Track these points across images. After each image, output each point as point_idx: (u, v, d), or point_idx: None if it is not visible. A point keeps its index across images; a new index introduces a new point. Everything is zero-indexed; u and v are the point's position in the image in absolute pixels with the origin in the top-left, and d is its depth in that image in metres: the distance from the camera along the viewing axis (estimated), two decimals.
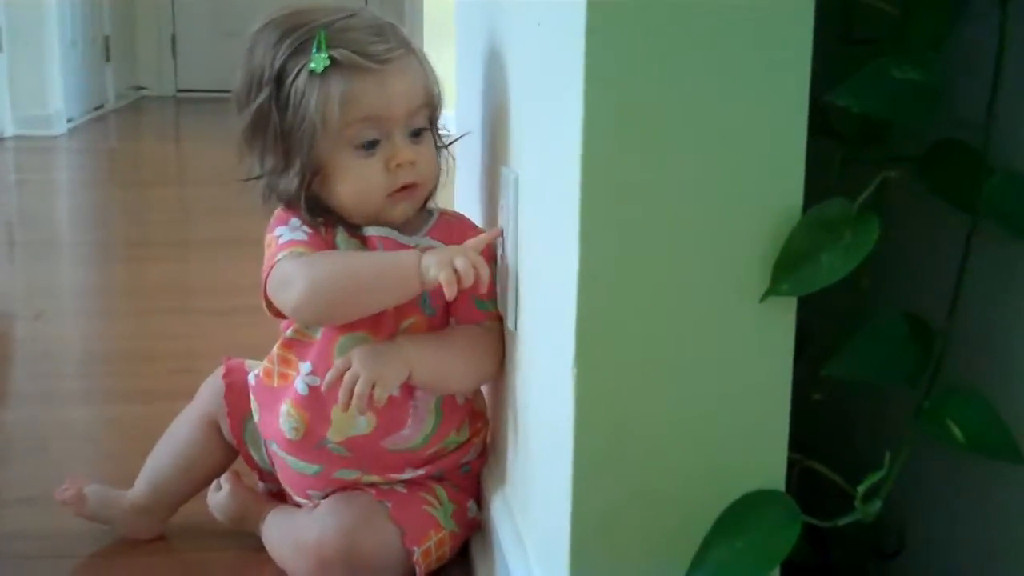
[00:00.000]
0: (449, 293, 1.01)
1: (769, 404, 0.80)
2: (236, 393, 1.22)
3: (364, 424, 1.11)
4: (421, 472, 1.15)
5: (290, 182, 1.11)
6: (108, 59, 5.91)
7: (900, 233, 0.84)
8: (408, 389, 1.11)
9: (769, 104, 0.76)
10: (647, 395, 0.79)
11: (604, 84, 0.74)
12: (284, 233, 1.12)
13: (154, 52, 6.56)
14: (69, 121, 5.04)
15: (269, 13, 1.12)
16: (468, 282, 1.01)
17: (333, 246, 1.12)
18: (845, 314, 0.90)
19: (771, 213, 0.77)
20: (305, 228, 1.12)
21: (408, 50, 1.10)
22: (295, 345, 1.14)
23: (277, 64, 1.08)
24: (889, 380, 0.82)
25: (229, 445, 1.24)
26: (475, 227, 1.17)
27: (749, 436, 0.80)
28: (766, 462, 0.81)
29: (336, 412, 1.10)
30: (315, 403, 1.12)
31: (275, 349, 1.16)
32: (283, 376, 1.15)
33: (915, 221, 0.89)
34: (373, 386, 1.02)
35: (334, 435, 1.12)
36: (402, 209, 1.12)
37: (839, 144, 0.85)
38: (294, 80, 1.07)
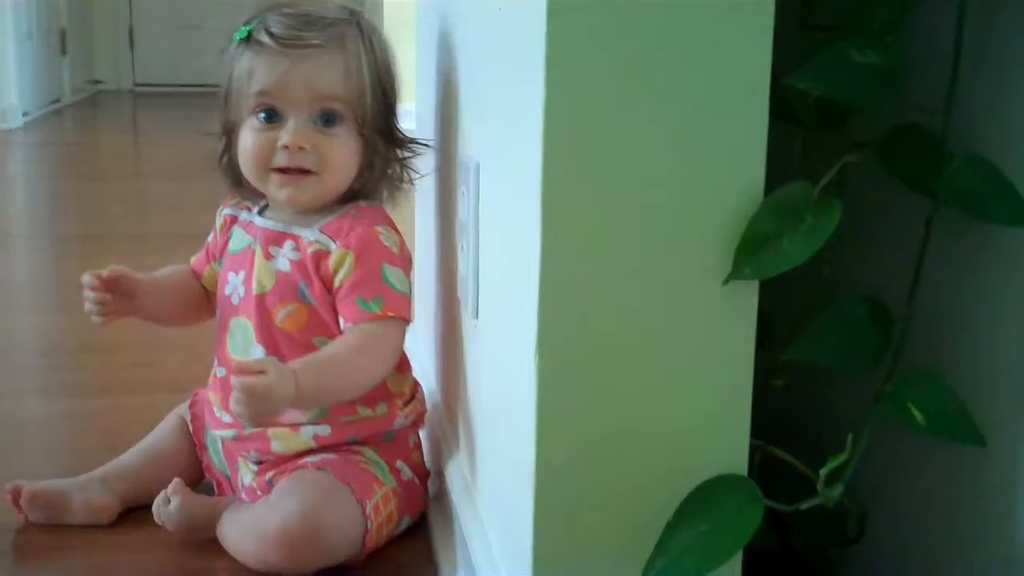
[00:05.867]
0: None
1: (731, 389, 0.80)
2: (200, 405, 1.27)
3: None
4: (327, 431, 1.16)
5: (219, 143, 1.21)
6: (64, 52, 5.84)
7: (860, 217, 0.84)
8: None
9: (730, 88, 0.76)
10: (609, 381, 0.79)
11: (565, 68, 0.74)
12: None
13: (111, 45, 6.49)
14: (25, 115, 4.97)
15: None
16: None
17: (212, 251, 1.26)
18: (806, 300, 0.90)
19: (733, 197, 0.77)
20: (209, 237, 1.27)
21: (333, 45, 1.13)
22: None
23: (233, 33, 1.18)
24: (850, 364, 0.83)
25: (195, 447, 1.26)
26: (372, 225, 1.15)
27: (711, 421, 0.80)
28: (728, 448, 0.81)
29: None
30: (221, 392, 1.20)
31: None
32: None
33: (875, 205, 0.89)
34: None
35: None
36: (289, 194, 1.15)
37: (799, 128, 0.85)
38: (230, 47, 1.18)
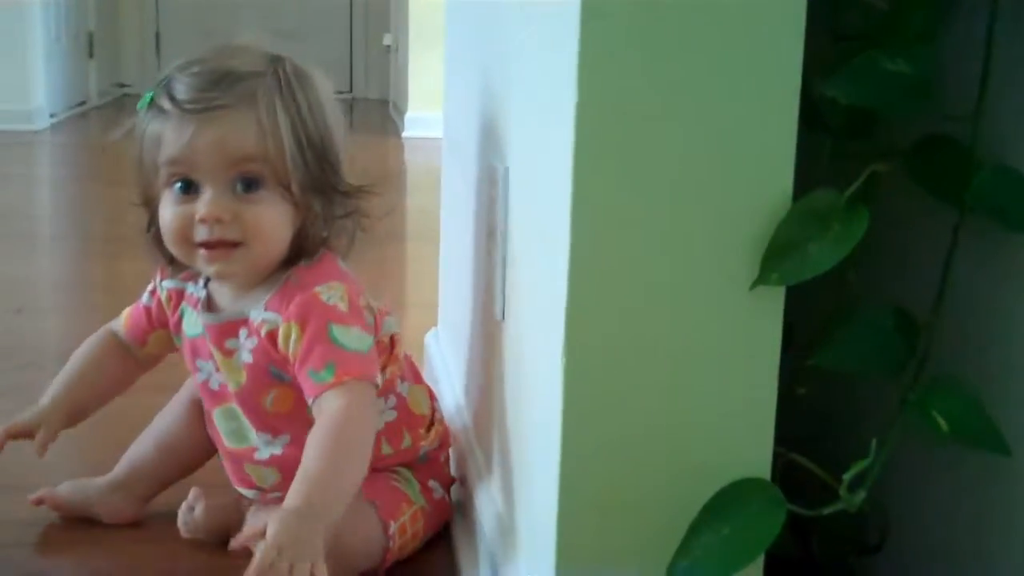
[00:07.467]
0: None
1: (756, 393, 0.80)
2: None
3: (272, 478, 1.14)
4: None
5: (144, 216, 1.12)
6: (91, 55, 5.89)
7: (887, 225, 0.84)
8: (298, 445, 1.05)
9: (760, 95, 0.76)
10: (636, 385, 0.79)
11: (597, 74, 0.74)
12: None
13: (137, 49, 6.53)
14: (51, 116, 5.02)
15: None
16: None
17: (156, 319, 1.19)
18: (831, 308, 0.90)
19: (761, 203, 0.77)
20: (146, 297, 1.20)
21: (242, 103, 1.04)
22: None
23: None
24: (875, 371, 0.83)
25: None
26: (312, 286, 1.06)
27: (736, 425, 0.80)
28: (752, 452, 0.81)
29: (248, 468, 1.15)
30: (230, 464, 1.18)
31: None
32: None
33: (903, 214, 0.89)
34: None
35: (261, 483, 1.16)
36: (218, 269, 1.07)
37: (828, 136, 0.86)
38: (139, 114, 1.10)
